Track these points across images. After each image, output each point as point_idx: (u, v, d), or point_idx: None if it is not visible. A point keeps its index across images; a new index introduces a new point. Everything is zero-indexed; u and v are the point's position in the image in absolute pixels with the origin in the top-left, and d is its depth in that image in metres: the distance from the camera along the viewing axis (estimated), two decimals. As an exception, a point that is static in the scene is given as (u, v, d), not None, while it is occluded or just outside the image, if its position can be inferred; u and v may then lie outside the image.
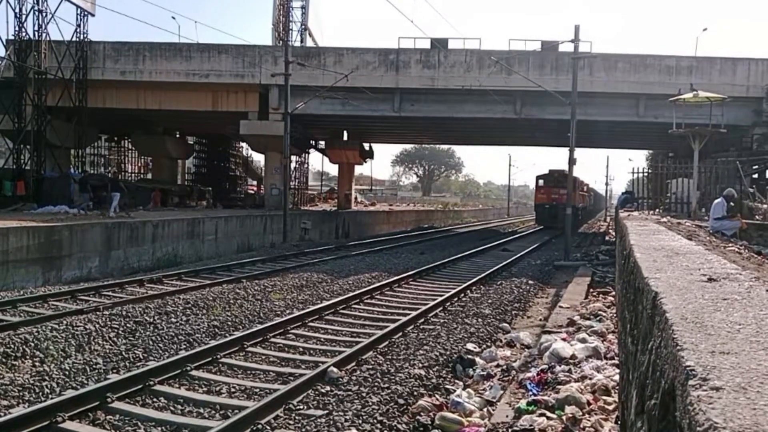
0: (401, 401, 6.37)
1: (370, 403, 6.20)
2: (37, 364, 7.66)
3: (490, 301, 12.59)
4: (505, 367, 7.82)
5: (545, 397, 5.88)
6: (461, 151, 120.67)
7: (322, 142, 41.60)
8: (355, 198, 48.39)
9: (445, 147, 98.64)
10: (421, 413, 6.07)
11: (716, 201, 15.02)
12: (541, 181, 41.58)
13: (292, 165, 37.45)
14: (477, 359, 8.16)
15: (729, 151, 26.73)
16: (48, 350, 8.05)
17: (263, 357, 8.29)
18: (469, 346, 8.82)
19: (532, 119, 28.87)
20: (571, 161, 22.18)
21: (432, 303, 11.67)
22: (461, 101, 28.49)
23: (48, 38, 26.76)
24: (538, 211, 42.71)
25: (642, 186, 28.12)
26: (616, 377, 5.91)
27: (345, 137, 39.42)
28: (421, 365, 7.63)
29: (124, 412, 6.07)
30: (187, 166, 47.30)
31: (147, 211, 24.91)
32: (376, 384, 6.86)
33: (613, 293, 11.78)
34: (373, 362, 7.82)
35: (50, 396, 6.41)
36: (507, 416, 5.63)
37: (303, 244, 24.50)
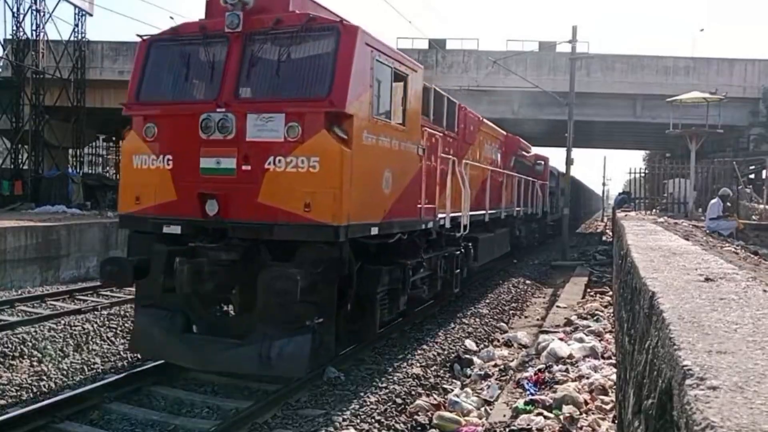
0: (399, 401, 6.37)
1: (368, 403, 6.21)
2: (35, 363, 7.65)
3: (487, 300, 12.59)
4: (502, 366, 7.83)
5: (543, 397, 5.89)
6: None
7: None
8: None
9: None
10: (419, 413, 6.08)
11: (712, 201, 15.09)
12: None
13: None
14: (475, 359, 8.17)
15: (726, 151, 26.83)
16: (46, 350, 8.04)
17: (261, 357, 8.25)
18: (467, 345, 8.83)
19: (530, 119, 28.91)
20: (569, 161, 22.21)
21: (428, 303, 11.65)
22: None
23: (46, 38, 26.73)
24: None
25: (639, 186, 28.18)
26: (614, 377, 5.93)
27: (342, 137, 39.26)
28: (419, 365, 7.64)
29: (122, 412, 6.07)
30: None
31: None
32: (374, 383, 6.87)
33: (611, 293, 11.81)
34: (371, 362, 7.82)
35: (48, 396, 6.41)
36: (504, 416, 5.64)
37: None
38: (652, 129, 28.61)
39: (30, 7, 25.96)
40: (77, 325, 9.15)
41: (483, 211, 12.50)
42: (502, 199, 14.53)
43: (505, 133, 16.12)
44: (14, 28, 26.04)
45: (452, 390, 6.91)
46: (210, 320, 7.03)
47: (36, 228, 15.24)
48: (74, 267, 16.17)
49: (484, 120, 13.73)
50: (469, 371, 7.75)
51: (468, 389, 6.97)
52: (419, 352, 8.28)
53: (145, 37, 7.42)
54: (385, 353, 8.29)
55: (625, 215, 17.33)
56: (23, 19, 26.01)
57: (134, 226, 7.08)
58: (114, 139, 40.21)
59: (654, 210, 22.13)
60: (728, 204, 15.31)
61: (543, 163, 21.81)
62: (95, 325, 9.26)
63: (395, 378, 7.05)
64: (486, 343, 9.26)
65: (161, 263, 6.56)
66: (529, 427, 5.19)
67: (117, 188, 28.83)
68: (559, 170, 26.22)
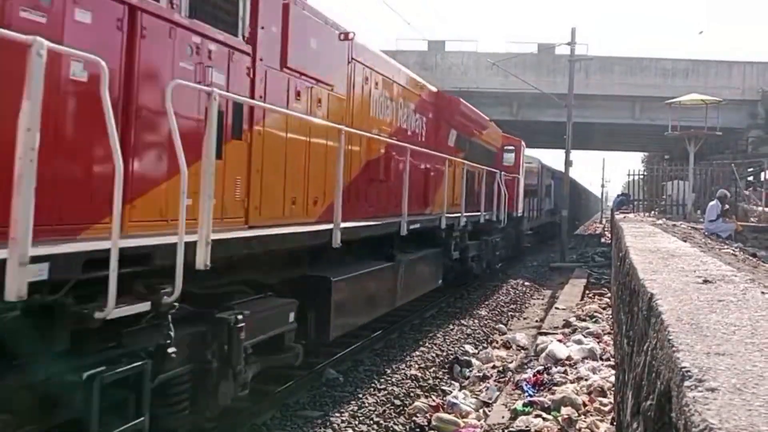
0: (398, 402, 6.37)
1: (367, 404, 6.21)
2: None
3: (486, 302, 12.60)
4: (501, 368, 7.83)
5: (541, 399, 5.90)
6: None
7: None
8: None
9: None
10: (418, 414, 6.08)
11: (711, 203, 15.11)
12: None
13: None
14: (473, 360, 8.17)
15: (724, 153, 26.87)
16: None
17: (260, 358, 8.22)
18: (466, 347, 8.83)
19: (529, 121, 28.93)
20: (567, 163, 22.23)
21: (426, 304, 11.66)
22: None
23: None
24: None
25: (638, 188, 28.21)
26: (612, 378, 5.94)
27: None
28: (417, 366, 7.64)
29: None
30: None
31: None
32: (373, 385, 6.86)
33: (609, 295, 11.82)
34: (369, 363, 7.82)
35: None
36: (503, 417, 5.65)
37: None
38: (651, 131, 28.65)
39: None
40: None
41: (329, 225, 5.64)
42: (414, 198, 8.30)
43: (434, 89, 10.17)
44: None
45: (451, 391, 6.92)
46: None
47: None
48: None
49: (372, 49, 7.61)
50: (467, 373, 7.75)
51: (467, 391, 6.97)
52: (418, 353, 8.28)
53: None
54: (383, 355, 8.29)
55: (624, 217, 17.33)
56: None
57: None
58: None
59: (653, 212, 22.15)
60: (726, 206, 15.33)
61: (514, 148, 15.52)
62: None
63: (394, 379, 7.05)
64: (485, 345, 9.26)
65: None
66: (527, 428, 5.20)
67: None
68: (543, 162, 21.67)
